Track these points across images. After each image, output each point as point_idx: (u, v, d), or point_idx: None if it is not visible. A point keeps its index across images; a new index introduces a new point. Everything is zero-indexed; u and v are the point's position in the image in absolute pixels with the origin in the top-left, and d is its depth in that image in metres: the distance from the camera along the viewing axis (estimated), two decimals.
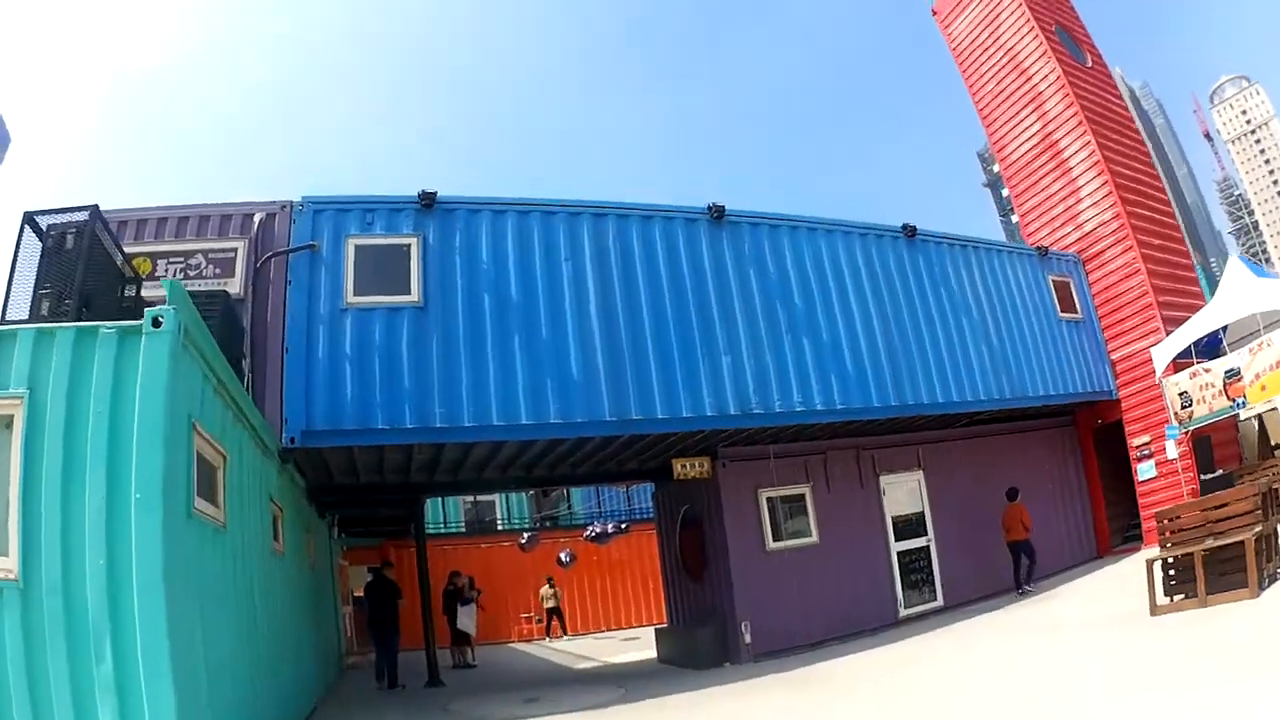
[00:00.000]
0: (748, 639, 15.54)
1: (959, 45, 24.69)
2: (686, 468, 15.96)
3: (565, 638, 27.99)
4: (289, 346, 12.55)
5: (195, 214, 13.67)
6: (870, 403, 15.77)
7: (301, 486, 14.89)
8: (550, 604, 28.44)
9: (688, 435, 15.03)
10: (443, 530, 30.79)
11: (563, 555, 27.49)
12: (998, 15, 23.19)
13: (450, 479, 16.95)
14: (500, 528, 31.61)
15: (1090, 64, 23.08)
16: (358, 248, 13.33)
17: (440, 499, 30.87)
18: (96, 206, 8.06)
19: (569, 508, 31.96)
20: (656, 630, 18.92)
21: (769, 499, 16.55)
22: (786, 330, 15.23)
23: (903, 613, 17.34)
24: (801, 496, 16.97)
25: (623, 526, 25.24)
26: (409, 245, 13.46)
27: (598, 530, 25.29)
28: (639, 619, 29.45)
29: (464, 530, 31.46)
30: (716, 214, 15.26)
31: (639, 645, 22.04)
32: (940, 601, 17.88)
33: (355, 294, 12.99)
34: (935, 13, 25.49)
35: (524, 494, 32.07)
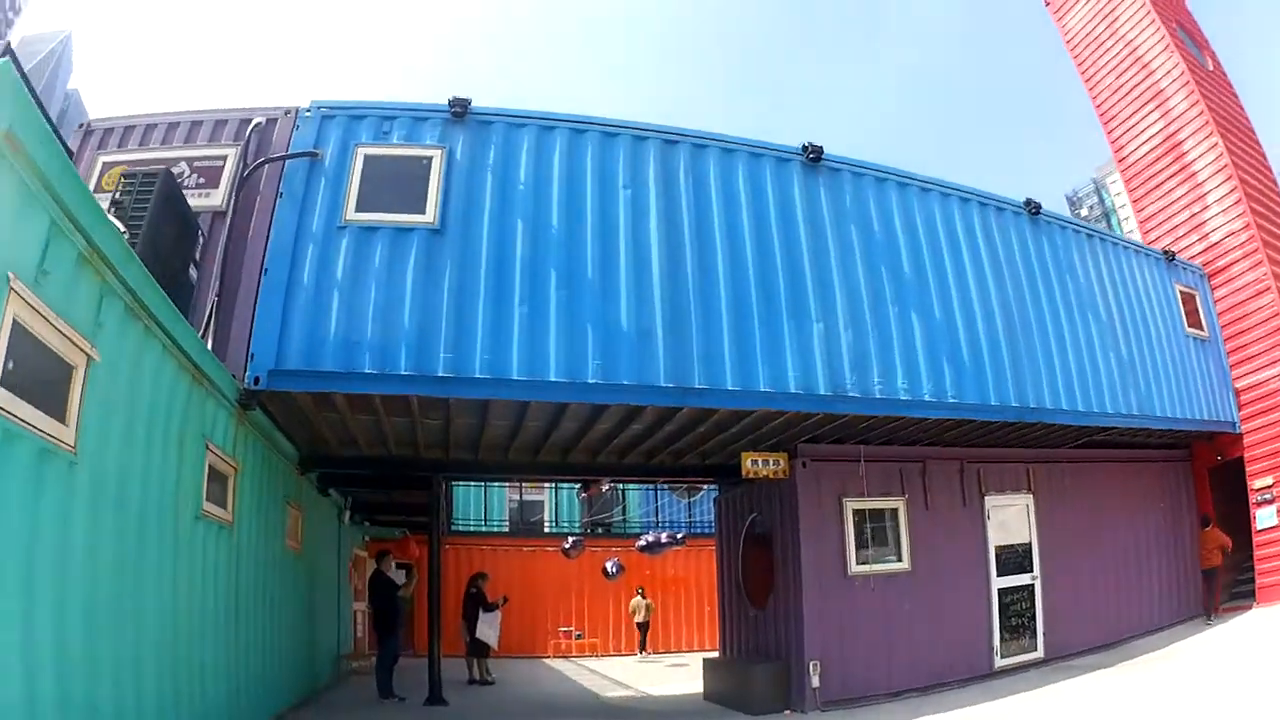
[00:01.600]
0: (815, 683, 12.59)
1: (1073, 38, 22.29)
2: (758, 465, 13.05)
3: (641, 655, 25.27)
4: (268, 267, 10.12)
5: (186, 120, 11.58)
6: (987, 400, 12.67)
7: (290, 455, 12.42)
8: (640, 617, 25.71)
9: (763, 420, 12.13)
10: (482, 528, 28.23)
11: (609, 565, 24.56)
12: (1116, 6, 20.89)
13: (470, 457, 14.12)
14: (547, 530, 28.89)
15: (1211, 67, 20.55)
16: (368, 158, 10.78)
17: (482, 490, 28.49)
18: None
19: (623, 514, 29.08)
20: (705, 661, 15.86)
21: (855, 511, 13.57)
22: (892, 301, 12.22)
23: (998, 663, 14.21)
24: (893, 513, 13.94)
25: (678, 538, 22.23)
26: (431, 158, 10.82)
27: (650, 540, 22.24)
28: (689, 643, 26.59)
29: (507, 529, 28.79)
30: (813, 155, 12.29)
31: (685, 675, 19.10)
32: (1040, 653, 14.72)
33: (357, 209, 10.46)
34: (1048, 3, 23.13)
35: (576, 495, 29.16)
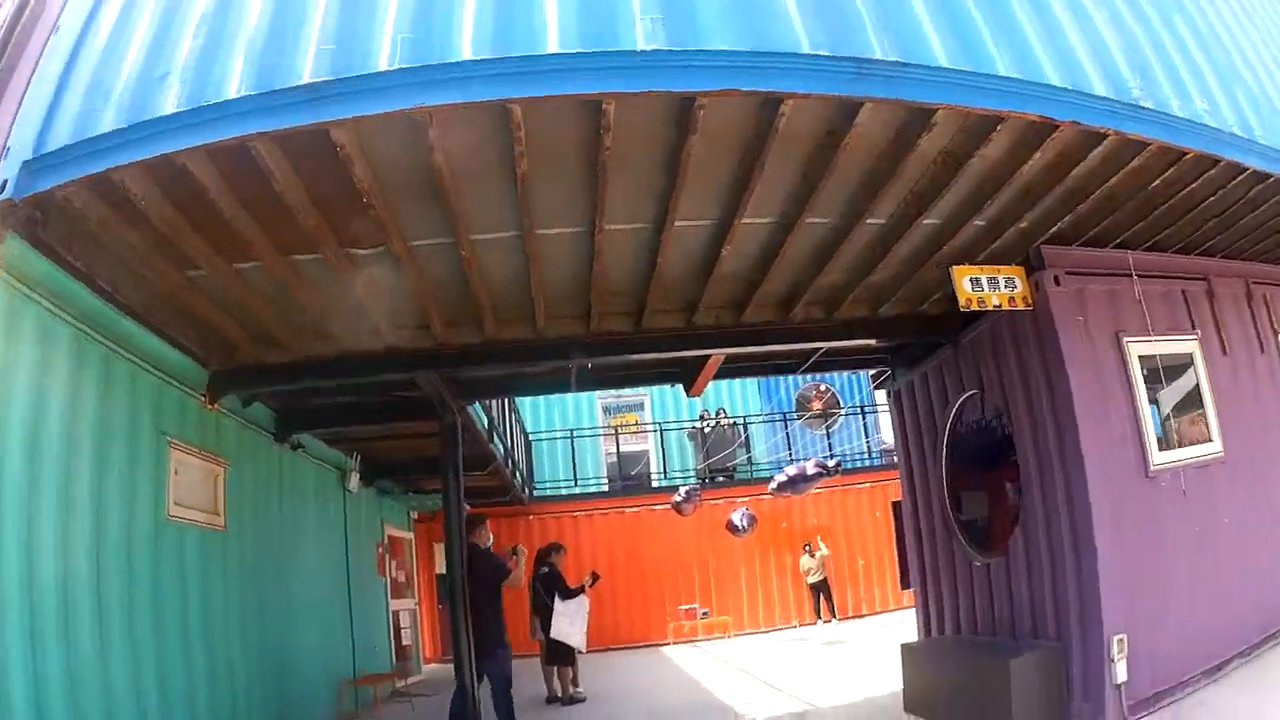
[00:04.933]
0: (1121, 675, 6.98)
1: None
2: (982, 287, 7.41)
3: (833, 621, 20.20)
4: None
5: None
6: None
7: (175, 367, 7.59)
8: (815, 578, 20.58)
9: (983, 188, 6.53)
10: (574, 491, 22.75)
11: (737, 517, 18.64)
12: None
13: (475, 339, 8.22)
14: (655, 484, 23.20)
15: None
16: None
17: (569, 443, 23.21)
18: None
19: (748, 454, 23.30)
20: (904, 649, 9.75)
21: (1142, 361, 7.83)
22: None
23: None
24: (1185, 361, 8.18)
25: (830, 466, 16.03)
26: None
27: (792, 474, 15.73)
28: (841, 609, 20.94)
29: (605, 490, 23.31)
30: None
31: (851, 661, 13.46)
32: None
33: None
34: None
35: (686, 436, 23.93)
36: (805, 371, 11.17)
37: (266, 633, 9.11)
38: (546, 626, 12.05)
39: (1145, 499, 7.43)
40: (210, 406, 8.03)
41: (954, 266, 7.43)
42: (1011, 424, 8.17)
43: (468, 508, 10.05)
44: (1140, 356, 7.79)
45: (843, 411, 25.01)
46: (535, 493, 21.94)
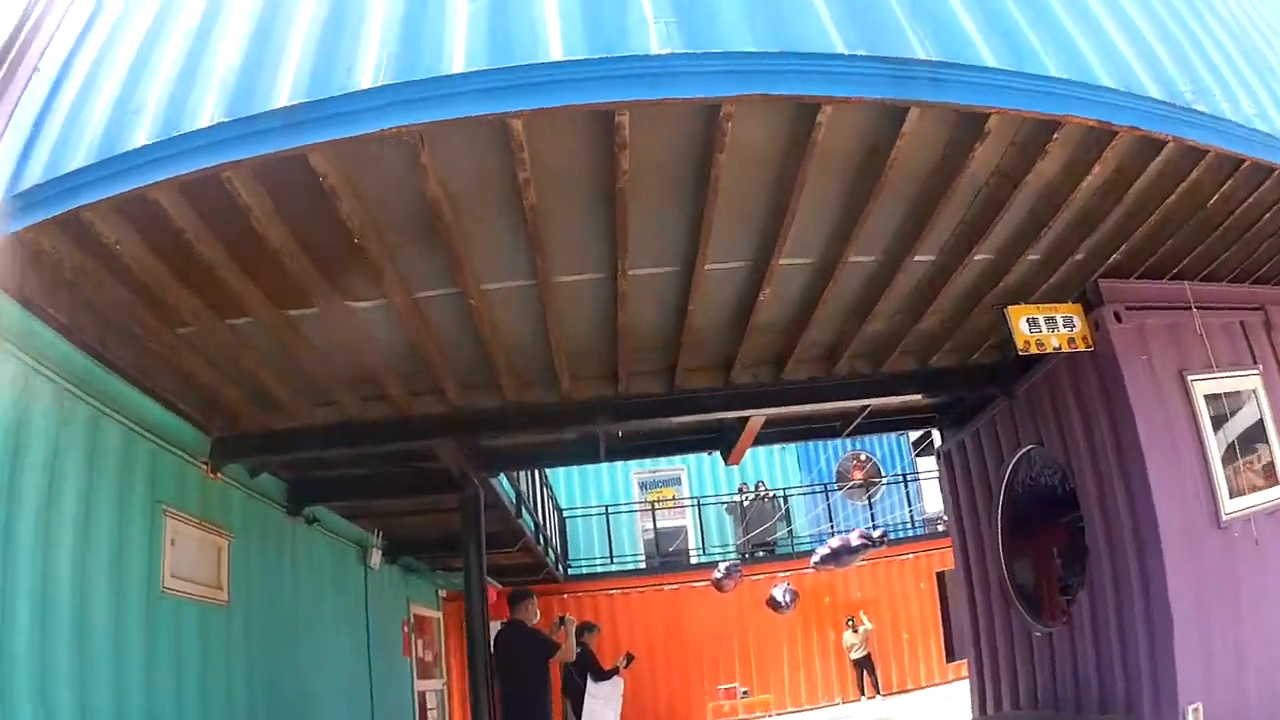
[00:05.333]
0: None
1: None
2: (1040, 328, 6.89)
3: (877, 697, 19.30)
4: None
5: None
6: None
7: (170, 432, 7.09)
8: (858, 653, 19.73)
9: (1031, 225, 6.14)
10: (610, 568, 22.01)
11: (778, 593, 17.85)
12: None
13: (493, 403, 7.67)
14: (694, 561, 22.37)
15: None
16: None
17: (604, 520, 22.43)
18: None
19: (788, 527, 22.52)
20: None
21: (1208, 400, 7.20)
22: None
23: None
24: (1248, 396, 7.49)
25: (875, 536, 15.24)
26: None
27: (835, 546, 14.95)
28: (885, 685, 20.09)
29: (642, 568, 22.48)
30: None
31: None
32: None
33: None
34: None
35: (725, 510, 23.18)
36: (849, 435, 10.58)
37: (278, 715, 8.52)
38: (579, 710, 11.36)
39: (1218, 551, 6.75)
40: (213, 475, 7.53)
41: (1010, 307, 6.89)
42: (1075, 478, 7.54)
43: (495, 586, 9.48)
44: (1205, 396, 7.19)
45: (884, 480, 24.21)
46: (570, 570, 21.25)
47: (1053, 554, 8.16)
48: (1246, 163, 5.74)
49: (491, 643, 8.77)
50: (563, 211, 5.08)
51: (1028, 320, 6.90)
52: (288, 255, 4.90)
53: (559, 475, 23.37)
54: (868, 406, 9.41)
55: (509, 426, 7.94)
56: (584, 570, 21.82)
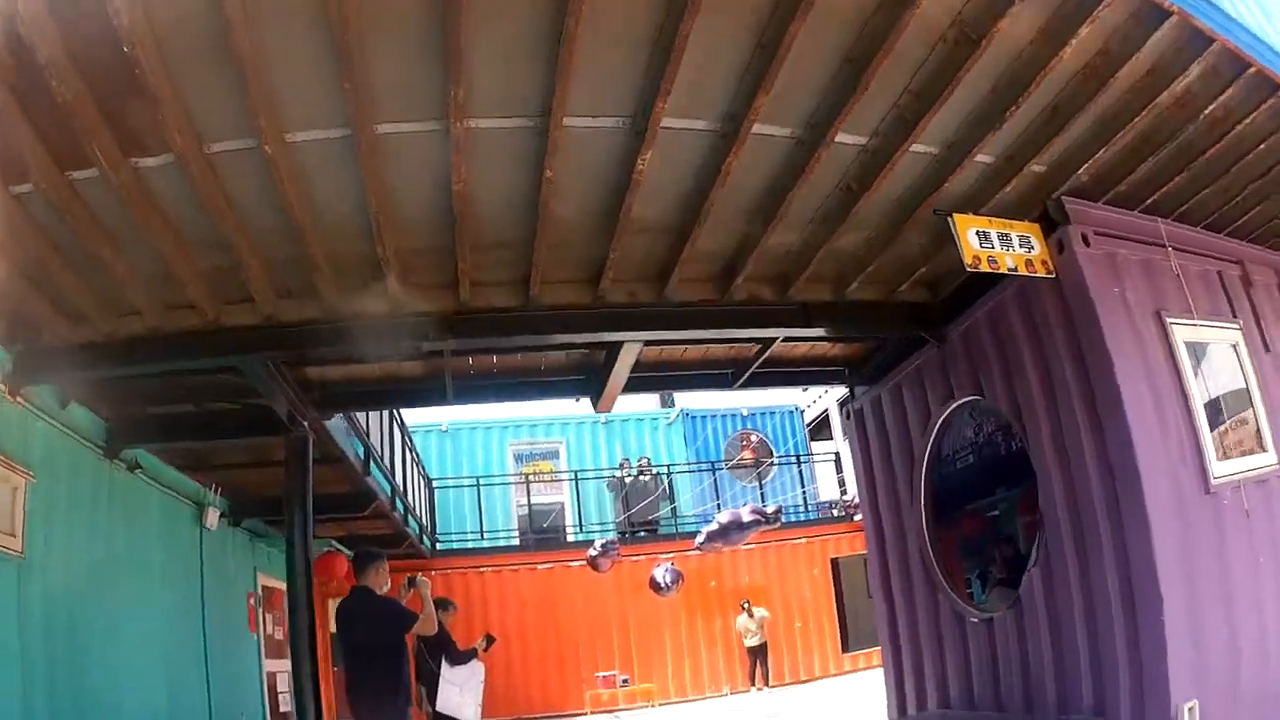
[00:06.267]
0: None
1: None
2: (992, 244, 5.78)
3: (766, 689, 18.10)
4: None
5: None
6: None
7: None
8: (754, 640, 18.47)
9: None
10: (480, 544, 20.55)
11: (660, 574, 16.62)
12: None
13: (323, 317, 6.25)
14: (571, 539, 21.06)
15: None
16: None
17: (476, 493, 20.82)
18: None
19: (671, 504, 21.32)
20: None
21: (1190, 348, 6.20)
22: None
23: None
24: (1230, 351, 6.58)
25: (770, 513, 13.99)
26: None
27: (725, 522, 13.77)
28: (777, 675, 18.93)
29: (516, 544, 21.06)
30: None
31: None
32: None
33: None
34: None
35: (606, 485, 21.81)
36: (743, 386, 9.07)
37: (82, 688, 7.07)
38: (434, 697, 9.86)
39: (1208, 522, 5.75)
40: (12, 398, 6.20)
41: (955, 214, 5.65)
42: (1025, 436, 6.37)
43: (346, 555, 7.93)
44: (1186, 343, 6.10)
45: (775, 460, 23.23)
46: (439, 546, 19.74)
47: (992, 526, 6.99)
48: (1249, 72, 4.94)
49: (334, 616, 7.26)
50: (386, 30, 3.84)
51: (977, 233, 5.73)
52: (56, 79, 3.46)
53: (430, 443, 22.11)
54: (766, 349, 8.08)
55: (329, 340, 6.39)
56: (454, 546, 20.38)
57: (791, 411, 24.56)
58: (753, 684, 18.47)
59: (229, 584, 11.74)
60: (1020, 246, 5.84)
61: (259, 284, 5.75)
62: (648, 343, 7.34)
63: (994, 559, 7.49)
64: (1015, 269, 5.77)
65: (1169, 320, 6.05)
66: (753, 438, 24.03)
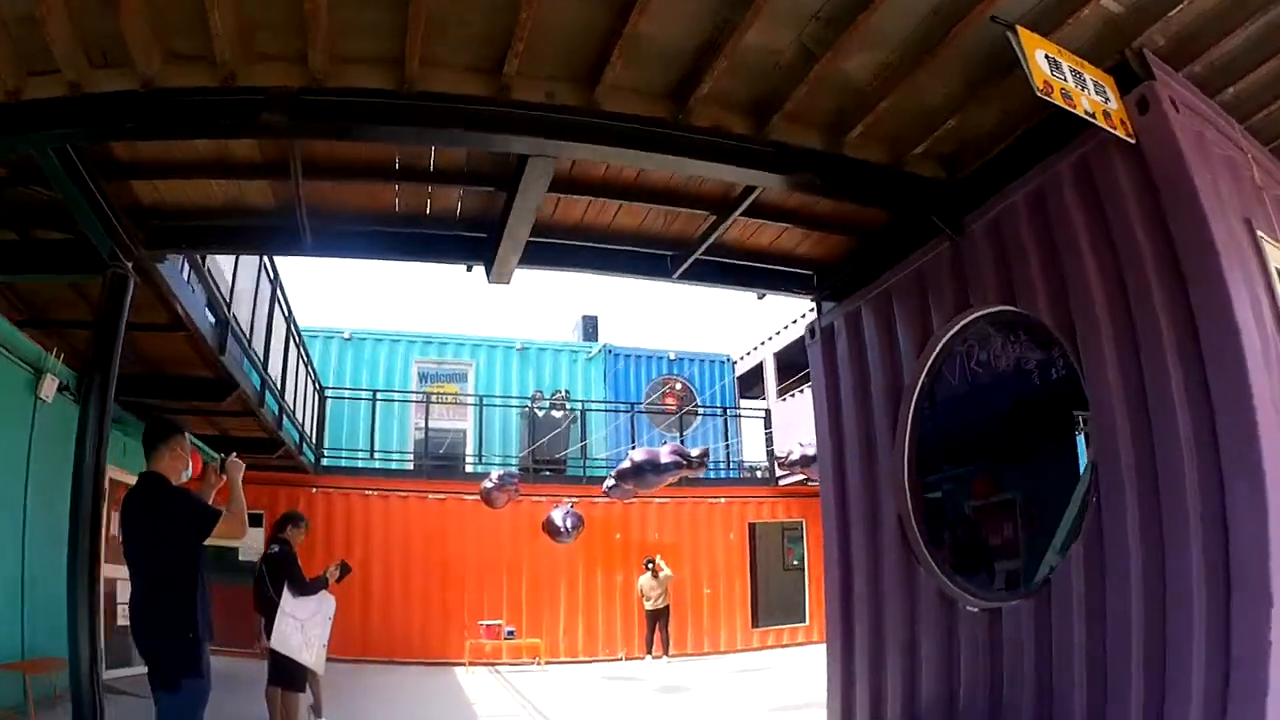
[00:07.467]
0: None
1: None
2: (1064, 77, 4.10)
3: (664, 658, 16.73)
4: None
5: None
6: None
7: None
8: (656, 604, 16.97)
9: None
10: (371, 465, 18.75)
11: (558, 517, 14.86)
12: None
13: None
14: (470, 469, 19.10)
15: None
16: None
17: (371, 407, 19.01)
18: None
19: (582, 442, 19.69)
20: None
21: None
22: None
23: None
24: None
25: (693, 455, 12.25)
26: None
27: (638, 460, 11.96)
28: (679, 644, 17.50)
29: (410, 469, 19.28)
30: None
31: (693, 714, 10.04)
32: None
33: None
34: None
35: (521, 413, 19.96)
36: (684, 277, 7.13)
37: None
38: (268, 629, 8.05)
39: None
40: None
41: (1020, 29, 4.00)
42: (1081, 363, 4.69)
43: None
44: (1277, 270, 4.54)
45: (699, 408, 21.74)
46: (325, 461, 17.78)
47: (1043, 480, 5.37)
48: None
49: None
50: None
51: (1046, 58, 4.03)
52: None
53: (329, 350, 20.37)
54: (720, 222, 6.27)
55: (148, 122, 4.50)
56: (343, 463, 18.37)
57: (723, 362, 23.18)
58: (649, 651, 17.01)
59: (63, 473, 9.79)
60: (1096, 93, 4.20)
61: (60, 39, 3.94)
62: (567, 182, 5.59)
63: (1005, 532, 5.86)
64: (1093, 115, 4.11)
65: (1260, 235, 4.46)
66: (677, 384, 22.61)
